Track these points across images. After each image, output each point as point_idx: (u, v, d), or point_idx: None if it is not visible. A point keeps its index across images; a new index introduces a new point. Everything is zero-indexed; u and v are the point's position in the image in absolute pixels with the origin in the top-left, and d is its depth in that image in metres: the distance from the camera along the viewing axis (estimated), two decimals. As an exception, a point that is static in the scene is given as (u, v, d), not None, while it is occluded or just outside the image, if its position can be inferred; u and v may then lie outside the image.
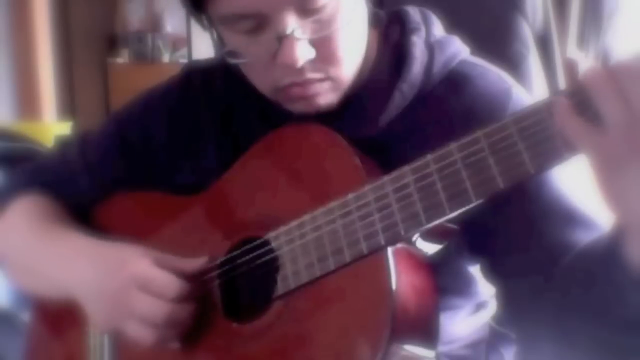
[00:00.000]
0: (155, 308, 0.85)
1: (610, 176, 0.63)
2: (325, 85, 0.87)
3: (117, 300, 0.87)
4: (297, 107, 0.90)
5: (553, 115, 0.66)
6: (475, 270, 0.94)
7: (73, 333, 0.99)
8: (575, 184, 0.86)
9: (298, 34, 0.82)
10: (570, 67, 1.35)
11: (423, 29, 0.94)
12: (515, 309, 0.86)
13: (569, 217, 0.82)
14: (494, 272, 0.89)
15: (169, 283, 0.85)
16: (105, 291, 0.89)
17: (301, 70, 0.84)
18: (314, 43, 0.83)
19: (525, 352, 0.93)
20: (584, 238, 0.80)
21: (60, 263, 0.96)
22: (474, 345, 1.02)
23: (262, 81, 0.90)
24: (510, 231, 0.84)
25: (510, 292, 0.86)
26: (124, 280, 0.86)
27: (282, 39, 0.82)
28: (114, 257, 0.90)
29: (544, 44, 1.26)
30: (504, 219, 0.83)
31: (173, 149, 1.03)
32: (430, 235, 0.78)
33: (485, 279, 0.92)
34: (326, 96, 0.88)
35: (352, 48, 0.88)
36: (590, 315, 0.73)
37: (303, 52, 0.82)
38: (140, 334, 0.86)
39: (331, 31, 0.83)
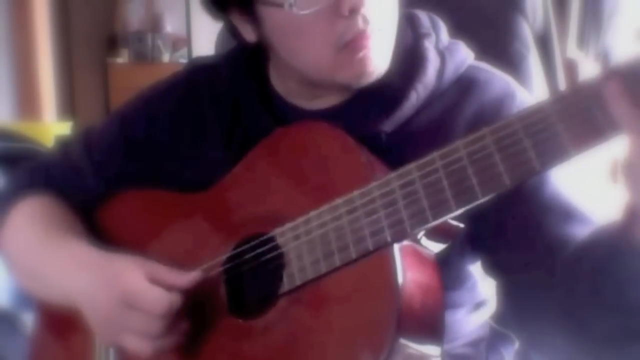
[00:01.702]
0: (146, 324, 0.85)
1: None
2: (379, 39, 0.89)
3: (110, 315, 0.88)
4: (354, 71, 0.90)
5: (558, 113, 0.66)
6: (474, 268, 0.95)
7: (78, 338, 0.99)
8: (573, 180, 0.87)
9: None
10: (570, 67, 1.35)
11: (433, 34, 0.96)
12: (518, 305, 0.86)
13: (567, 213, 0.84)
14: (495, 267, 0.89)
15: (159, 299, 0.85)
16: (100, 305, 0.89)
17: (364, 18, 0.86)
18: None
19: (530, 349, 0.94)
20: (581, 233, 0.81)
21: (63, 271, 0.96)
22: (474, 343, 1.02)
23: (324, 41, 0.88)
24: (510, 227, 0.85)
25: (511, 288, 0.87)
26: (115, 296, 0.87)
27: None
28: (109, 269, 0.91)
29: (544, 44, 1.26)
30: (504, 215, 0.84)
31: (177, 144, 1.03)
32: (436, 234, 0.79)
33: (487, 275, 0.93)
34: (379, 53, 0.89)
35: (395, 7, 0.91)
36: (605, 302, 0.73)
37: None
38: (138, 346, 0.87)
39: None
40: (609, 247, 0.72)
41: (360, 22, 0.86)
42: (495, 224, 0.85)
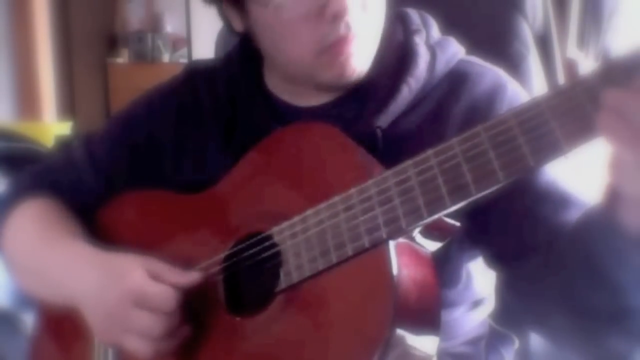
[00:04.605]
0: (152, 323, 0.85)
1: (634, 159, 0.61)
2: (361, 44, 0.91)
3: (114, 315, 0.87)
4: (333, 73, 0.91)
5: (552, 110, 0.66)
6: (473, 266, 0.96)
7: (78, 339, 0.99)
8: (567, 166, 0.87)
9: None
10: (570, 67, 1.35)
11: (423, 30, 0.97)
12: (520, 294, 0.87)
13: (564, 199, 0.84)
14: (496, 259, 0.91)
15: (165, 297, 0.85)
16: (103, 304, 0.89)
17: (347, 23, 0.88)
18: None
19: (538, 334, 0.94)
20: (576, 216, 0.81)
21: (64, 271, 0.96)
22: (473, 342, 1.03)
23: (306, 42, 0.90)
24: (509, 218, 0.86)
25: (513, 279, 0.88)
26: (121, 295, 0.86)
27: None
28: (112, 269, 0.90)
29: (544, 44, 1.26)
30: (502, 207, 0.84)
31: (178, 148, 1.04)
32: (432, 231, 0.79)
33: (489, 267, 0.94)
34: (358, 58, 0.91)
35: (380, 13, 0.92)
36: (595, 282, 0.73)
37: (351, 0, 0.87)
38: (138, 347, 0.87)
39: None
40: (595, 229, 0.72)
41: (342, 28, 0.88)
42: (493, 216, 0.86)
